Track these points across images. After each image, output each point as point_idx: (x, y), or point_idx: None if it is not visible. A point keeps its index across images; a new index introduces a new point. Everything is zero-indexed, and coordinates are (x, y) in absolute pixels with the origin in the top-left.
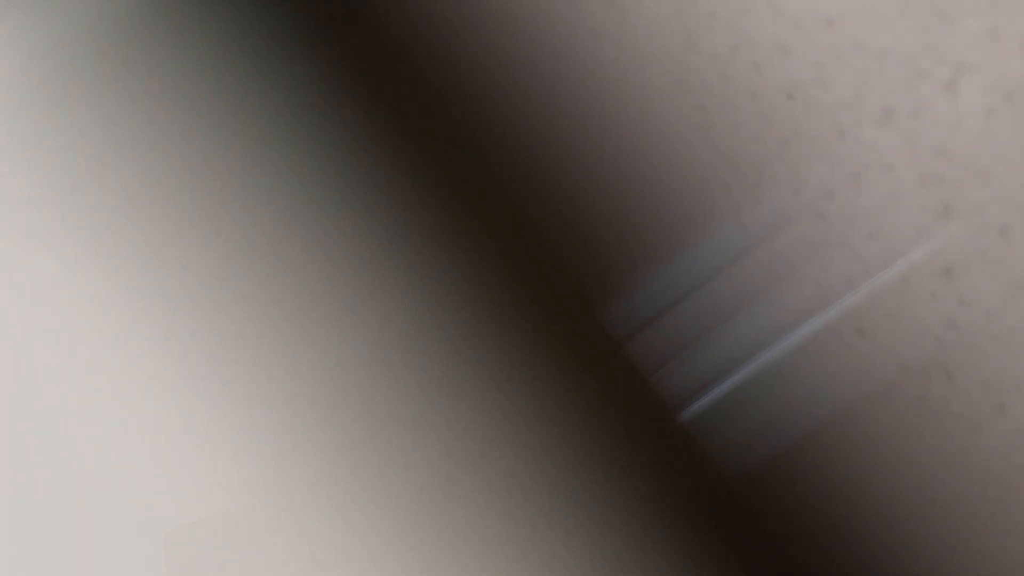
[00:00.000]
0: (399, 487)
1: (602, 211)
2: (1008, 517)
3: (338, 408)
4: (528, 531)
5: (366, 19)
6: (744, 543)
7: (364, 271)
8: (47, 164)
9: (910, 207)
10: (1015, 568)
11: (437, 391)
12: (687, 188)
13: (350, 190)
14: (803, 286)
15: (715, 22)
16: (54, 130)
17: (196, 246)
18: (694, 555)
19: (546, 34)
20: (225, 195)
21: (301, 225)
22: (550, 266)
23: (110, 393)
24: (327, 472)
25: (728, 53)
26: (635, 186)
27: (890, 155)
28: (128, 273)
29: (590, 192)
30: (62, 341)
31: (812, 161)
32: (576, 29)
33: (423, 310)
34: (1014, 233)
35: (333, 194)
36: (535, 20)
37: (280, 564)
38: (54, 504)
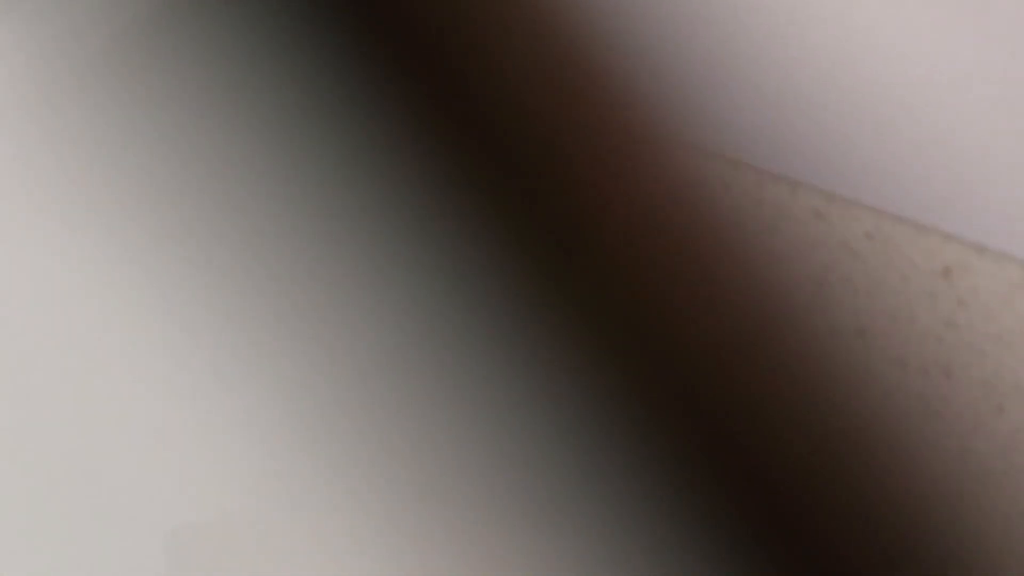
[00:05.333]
0: (403, 487)
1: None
2: (1008, 517)
3: (342, 407)
4: (533, 532)
5: (390, 14)
6: (741, 541)
7: (369, 272)
8: (52, 164)
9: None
10: (1015, 568)
11: (443, 391)
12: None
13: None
14: (803, 286)
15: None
16: (59, 130)
17: (202, 245)
18: (691, 553)
19: (537, 40)
20: (230, 194)
21: (309, 223)
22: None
23: (110, 392)
24: (330, 472)
25: None
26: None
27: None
28: (129, 272)
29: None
30: (63, 339)
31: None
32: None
33: (430, 310)
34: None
35: (344, 195)
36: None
37: (282, 564)
38: (54, 503)
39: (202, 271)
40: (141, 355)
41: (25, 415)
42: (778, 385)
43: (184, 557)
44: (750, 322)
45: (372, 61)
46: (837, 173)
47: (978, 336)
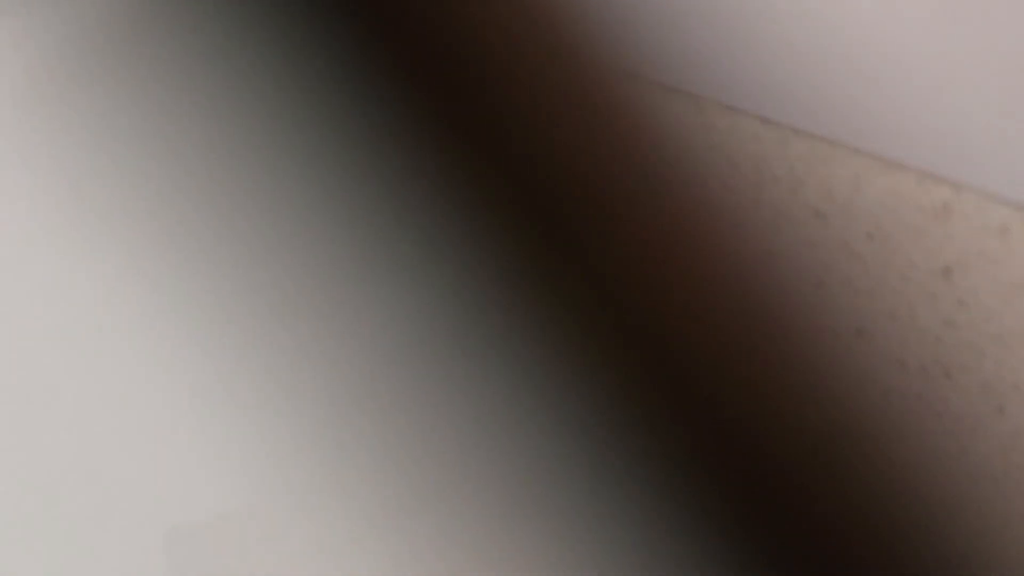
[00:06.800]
0: (403, 487)
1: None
2: (1008, 517)
3: (342, 407)
4: (533, 532)
5: (390, 13)
6: (740, 541)
7: (368, 271)
8: (53, 163)
9: (910, 207)
10: (1015, 568)
11: (442, 390)
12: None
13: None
14: (803, 286)
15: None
16: (58, 129)
17: (201, 245)
18: (691, 552)
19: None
20: (230, 193)
21: (309, 223)
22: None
23: (110, 392)
24: (330, 472)
25: None
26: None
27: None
28: (128, 272)
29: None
30: (63, 339)
31: (812, 161)
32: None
33: (430, 309)
34: (1014, 233)
35: (343, 194)
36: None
37: (281, 564)
38: (53, 503)
39: (200, 271)
40: (141, 355)
41: (25, 415)
42: (778, 385)
43: (184, 557)
44: (750, 322)
45: (366, 55)
46: (827, 118)
47: (978, 336)
